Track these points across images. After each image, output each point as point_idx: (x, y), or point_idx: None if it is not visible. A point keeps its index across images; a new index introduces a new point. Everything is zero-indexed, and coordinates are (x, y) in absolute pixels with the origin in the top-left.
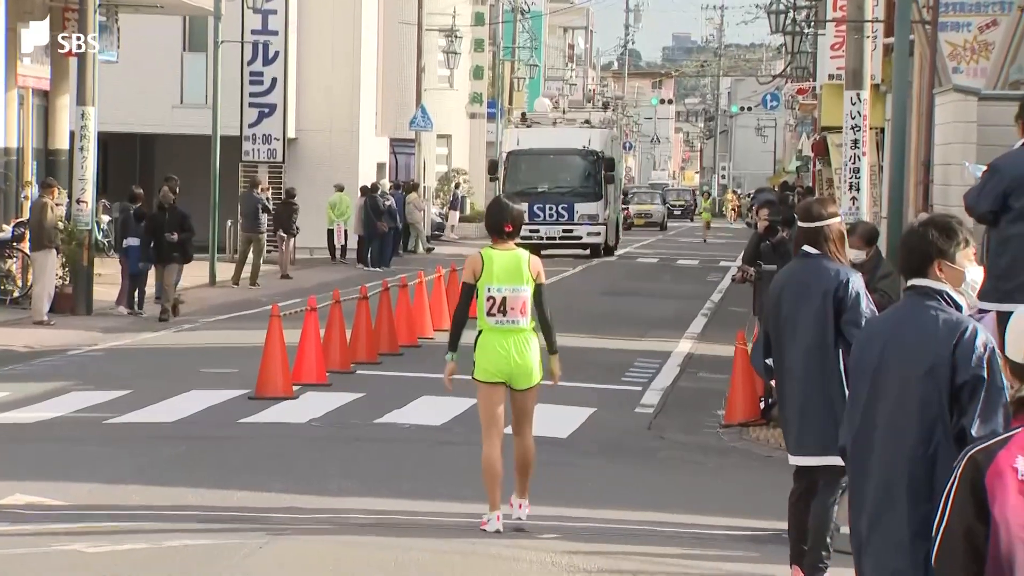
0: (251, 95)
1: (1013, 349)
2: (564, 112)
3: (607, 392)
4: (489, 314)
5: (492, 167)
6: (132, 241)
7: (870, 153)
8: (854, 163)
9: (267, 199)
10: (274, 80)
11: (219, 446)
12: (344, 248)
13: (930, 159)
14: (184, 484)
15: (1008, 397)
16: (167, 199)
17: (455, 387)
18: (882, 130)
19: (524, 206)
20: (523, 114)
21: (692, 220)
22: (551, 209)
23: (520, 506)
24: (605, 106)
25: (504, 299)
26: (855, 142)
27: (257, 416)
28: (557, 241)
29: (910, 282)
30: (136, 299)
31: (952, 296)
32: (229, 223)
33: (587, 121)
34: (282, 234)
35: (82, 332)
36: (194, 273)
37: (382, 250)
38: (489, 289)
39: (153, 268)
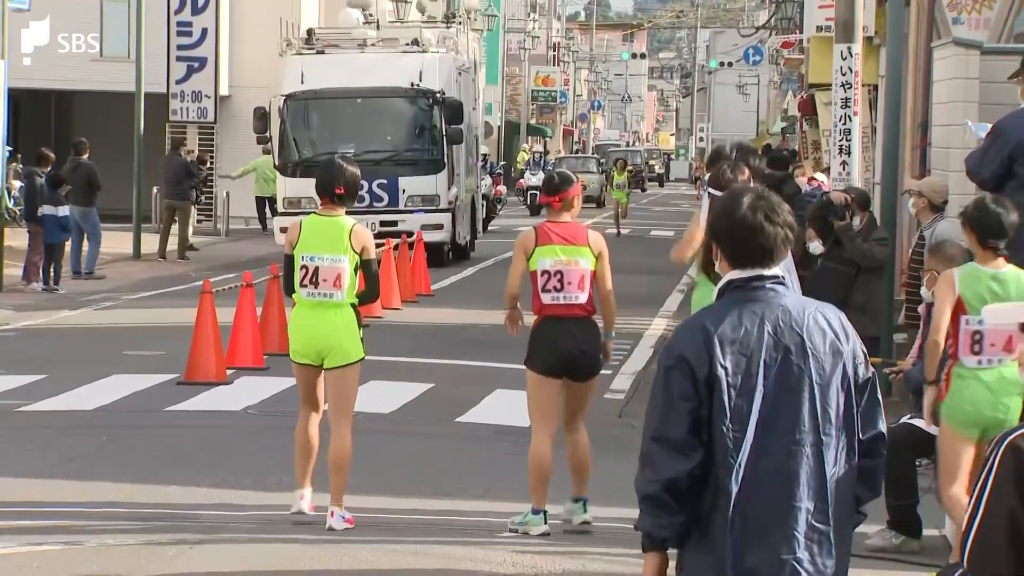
0: (179, 48)
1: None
2: (379, 28)
3: None
4: (301, 285)
5: (261, 122)
6: (48, 209)
7: (862, 113)
8: (844, 124)
9: (192, 162)
10: (204, 31)
11: (144, 436)
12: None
13: (927, 119)
14: (106, 478)
15: None
16: None
17: (388, 371)
18: (875, 87)
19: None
20: (309, 30)
21: (643, 190)
22: (360, 189)
23: (332, 514)
24: (448, 19)
25: (317, 268)
26: (845, 101)
27: (187, 403)
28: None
29: (767, 272)
30: (52, 274)
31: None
32: (156, 189)
33: (415, 41)
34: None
35: None
36: (117, 245)
37: None
38: (303, 257)
39: None
